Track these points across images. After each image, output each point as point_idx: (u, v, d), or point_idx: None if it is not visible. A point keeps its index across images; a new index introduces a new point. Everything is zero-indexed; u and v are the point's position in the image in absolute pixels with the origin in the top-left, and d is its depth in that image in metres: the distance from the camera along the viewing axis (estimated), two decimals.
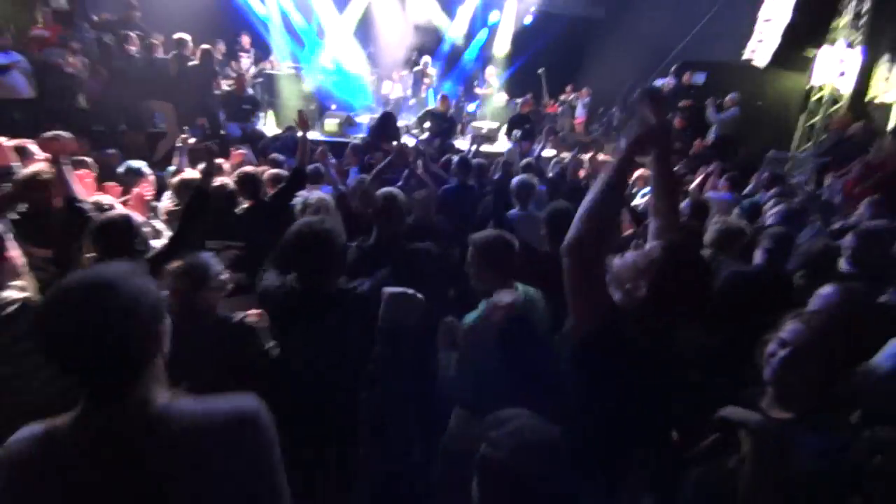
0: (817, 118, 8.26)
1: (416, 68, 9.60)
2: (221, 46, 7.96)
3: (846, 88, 7.60)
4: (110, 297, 0.85)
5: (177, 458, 0.90)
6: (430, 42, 10.90)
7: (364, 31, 10.53)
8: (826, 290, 1.86)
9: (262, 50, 9.28)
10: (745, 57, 8.72)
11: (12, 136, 3.58)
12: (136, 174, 3.41)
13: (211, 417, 0.94)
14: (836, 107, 7.86)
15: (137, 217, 2.17)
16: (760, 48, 8.23)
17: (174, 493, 0.89)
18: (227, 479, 0.93)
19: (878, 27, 7.16)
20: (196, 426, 0.92)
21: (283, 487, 1.01)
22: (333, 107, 8.87)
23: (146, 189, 3.29)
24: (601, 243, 1.25)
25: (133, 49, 6.54)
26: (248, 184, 3.07)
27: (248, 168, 3.33)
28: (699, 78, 8.64)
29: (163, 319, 0.95)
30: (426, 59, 9.74)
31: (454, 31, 11.12)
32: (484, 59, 11.42)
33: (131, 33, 6.67)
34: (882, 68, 7.31)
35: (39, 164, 2.57)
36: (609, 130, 9.79)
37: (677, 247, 1.26)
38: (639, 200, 4.41)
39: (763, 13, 8.36)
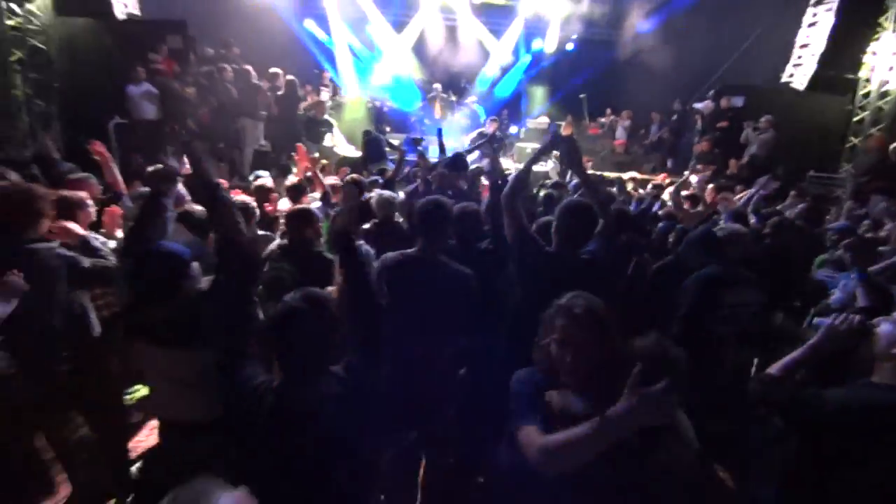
0: (858, 139, 8.48)
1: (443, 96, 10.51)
2: (308, 87, 9.21)
3: None
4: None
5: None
6: (475, 67, 11.80)
7: (418, 53, 11.60)
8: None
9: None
10: (783, 80, 9.04)
11: (139, 151, 4.59)
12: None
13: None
14: (877, 127, 8.09)
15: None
16: (798, 72, 8.56)
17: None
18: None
19: None
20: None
21: None
22: (388, 129, 9.82)
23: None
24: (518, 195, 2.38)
25: (229, 77, 7.71)
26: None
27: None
28: (737, 101, 9.02)
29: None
30: (437, 85, 10.65)
31: (497, 57, 11.96)
32: (526, 84, 12.20)
33: (227, 66, 7.84)
34: None
35: None
36: (649, 151, 10.24)
37: None
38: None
39: (800, 38, 8.71)
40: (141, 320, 1.73)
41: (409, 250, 2.33)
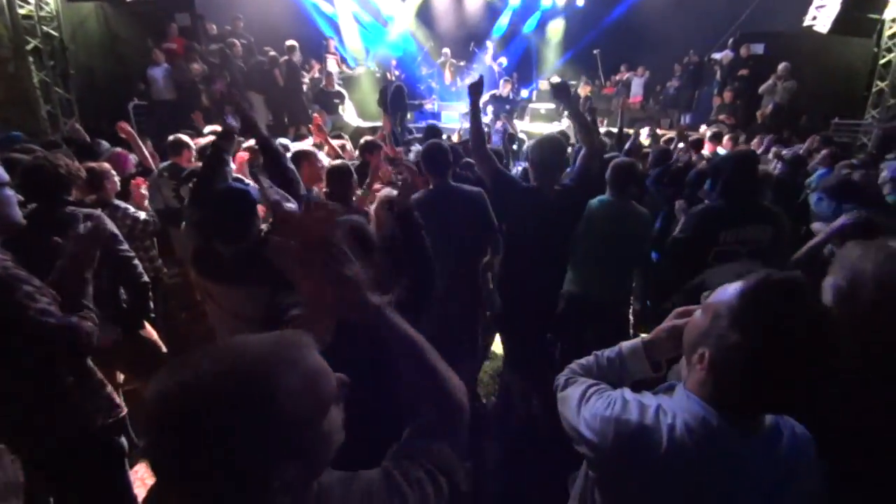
0: (885, 83, 8.17)
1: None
2: (313, 62, 9.18)
3: None
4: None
5: None
6: (484, 28, 11.55)
7: (424, 20, 11.40)
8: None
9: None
10: (805, 24, 8.69)
11: (162, 129, 4.71)
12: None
13: None
14: None
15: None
16: (822, 14, 8.20)
17: None
18: None
19: None
20: None
21: None
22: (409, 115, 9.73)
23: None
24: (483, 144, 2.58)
25: (238, 53, 7.74)
26: None
27: None
28: (758, 49, 8.73)
29: None
30: (446, 50, 10.48)
31: (505, 18, 11.66)
32: (537, 43, 11.91)
33: (236, 41, 7.85)
34: None
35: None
36: (666, 106, 10.03)
37: None
38: None
39: None
40: (212, 261, 1.85)
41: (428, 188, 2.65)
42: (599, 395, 1.01)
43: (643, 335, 1.18)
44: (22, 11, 6.67)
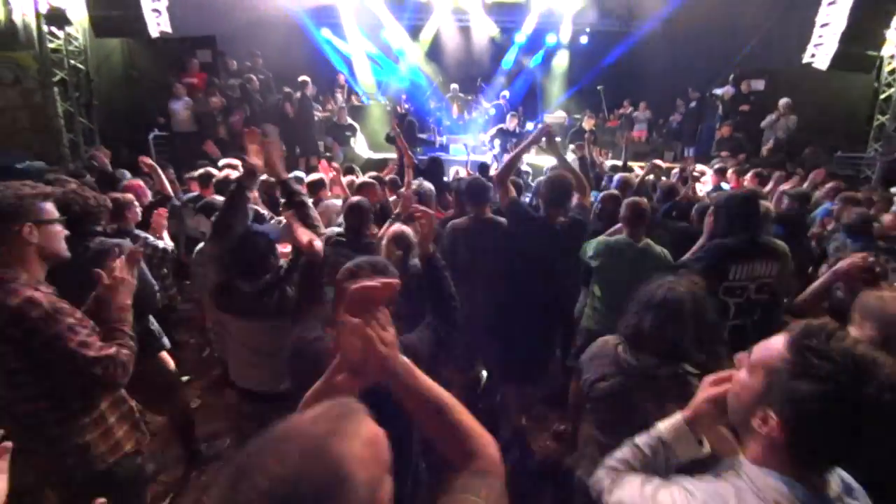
0: (886, 117, 8.31)
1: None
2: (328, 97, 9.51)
3: None
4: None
5: None
6: (491, 63, 11.93)
7: (433, 56, 11.82)
8: None
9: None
10: (805, 60, 8.91)
11: (179, 160, 4.93)
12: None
13: None
14: None
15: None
16: (820, 51, 8.42)
17: None
18: None
19: None
20: None
21: None
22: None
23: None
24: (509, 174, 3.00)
25: (256, 88, 8.05)
26: None
27: None
28: (758, 84, 8.93)
29: None
30: (454, 85, 10.85)
31: (511, 54, 12.06)
32: (542, 78, 12.25)
33: (254, 77, 8.18)
34: None
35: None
36: (670, 139, 10.20)
37: None
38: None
39: (820, 18, 8.57)
40: (232, 296, 1.93)
41: (465, 217, 3.11)
42: (659, 490, 0.93)
43: (678, 413, 1.09)
44: (52, 45, 7.00)
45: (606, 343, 1.72)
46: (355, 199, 2.83)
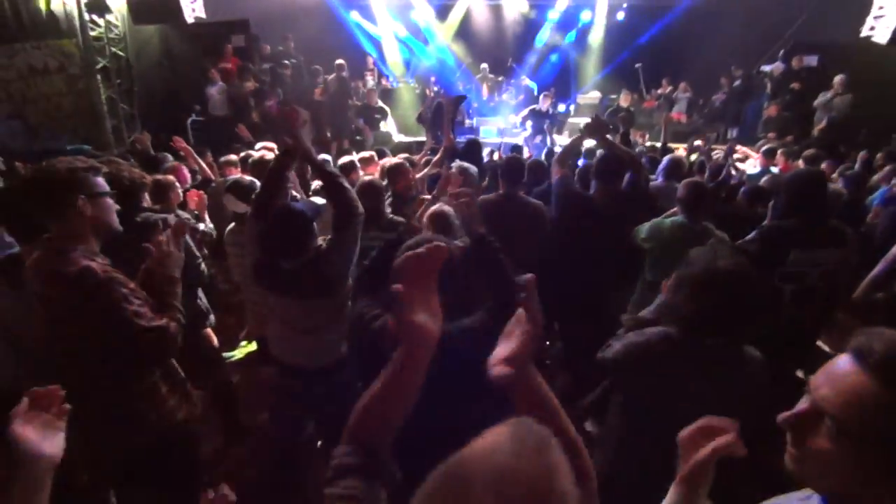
0: None
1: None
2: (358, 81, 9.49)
3: None
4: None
5: None
6: (523, 43, 11.62)
7: (463, 36, 11.60)
8: None
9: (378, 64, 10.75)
10: (863, 34, 8.31)
11: (215, 145, 5.01)
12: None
13: None
14: None
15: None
16: (880, 24, 7.83)
17: None
18: None
19: None
20: None
21: None
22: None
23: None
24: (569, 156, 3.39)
25: (288, 73, 8.11)
26: None
27: None
28: (811, 60, 8.39)
29: None
30: (484, 66, 10.52)
31: (545, 32, 11.71)
32: (576, 57, 11.86)
33: (286, 61, 8.23)
34: None
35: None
36: (712, 120, 9.74)
37: None
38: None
39: None
40: (273, 274, 1.94)
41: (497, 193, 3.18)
42: None
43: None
44: (93, 34, 7.21)
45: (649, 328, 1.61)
46: (366, 178, 2.81)
